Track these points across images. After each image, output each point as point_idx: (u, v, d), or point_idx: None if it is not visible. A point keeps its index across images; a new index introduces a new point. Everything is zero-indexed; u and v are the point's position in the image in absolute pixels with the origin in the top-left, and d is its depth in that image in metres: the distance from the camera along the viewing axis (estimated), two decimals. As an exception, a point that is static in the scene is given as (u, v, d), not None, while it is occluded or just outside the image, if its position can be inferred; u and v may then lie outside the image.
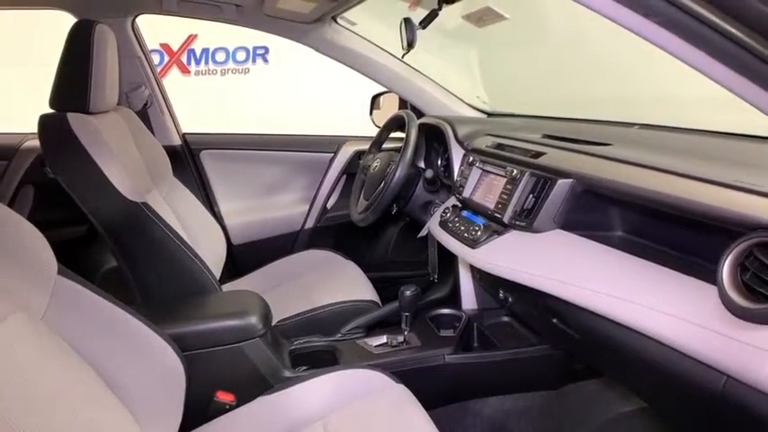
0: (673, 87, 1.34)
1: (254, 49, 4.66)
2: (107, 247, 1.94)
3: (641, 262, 0.88)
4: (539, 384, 1.49)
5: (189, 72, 4.68)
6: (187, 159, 2.04)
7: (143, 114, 1.87)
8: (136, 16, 1.84)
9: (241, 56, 4.69)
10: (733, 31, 0.51)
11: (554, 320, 1.10)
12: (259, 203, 2.19)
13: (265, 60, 4.70)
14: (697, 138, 1.21)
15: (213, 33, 4.52)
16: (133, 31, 1.85)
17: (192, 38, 4.59)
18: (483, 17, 1.51)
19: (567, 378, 1.47)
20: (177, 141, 2.02)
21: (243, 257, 2.08)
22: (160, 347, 0.99)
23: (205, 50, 4.67)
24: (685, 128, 1.26)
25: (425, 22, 1.40)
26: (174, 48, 4.58)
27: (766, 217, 0.67)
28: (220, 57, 4.69)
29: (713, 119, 1.18)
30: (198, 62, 4.69)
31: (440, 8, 1.36)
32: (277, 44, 4.29)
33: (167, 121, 1.99)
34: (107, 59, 1.38)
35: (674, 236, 0.89)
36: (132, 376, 0.94)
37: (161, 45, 4.51)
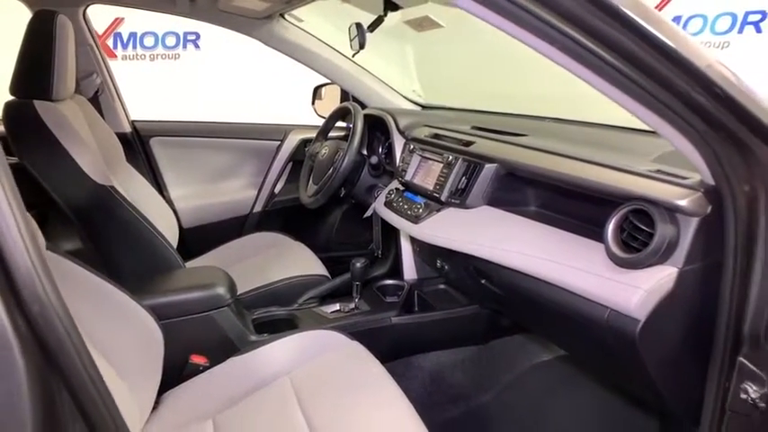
0: (578, 88, 1.58)
1: (185, 34, 4.51)
2: (59, 233, 1.97)
3: (550, 229, 1.10)
4: (470, 340, 1.70)
5: (115, 56, 4.48)
6: (137, 146, 2.07)
7: (94, 101, 1.89)
8: (87, 5, 1.86)
9: (171, 41, 4.53)
10: (607, 56, 0.72)
11: (482, 281, 1.30)
12: (208, 189, 2.24)
13: (197, 46, 4.59)
14: (594, 130, 1.46)
15: (141, 17, 4.36)
16: (84, 20, 1.87)
17: (118, 21, 4.41)
18: (422, 24, 1.69)
19: (494, 333, 1.69)
20: (128, 128, 2.05)
21: (193, 240, 2.12)
22: (141, 317, 1.10)
23: (133, 35, 4.47)
24: (585, 121, 1.52)
25: (373, 27, 1.56)
26: (100, 31, 4.39)
27: (637, 190, 0.90)
28: (149, 41, 4.51)
29: (607, 115, 1.44)
30: (125, 46, 4.50)
31: (385, 14, 1.52)
32: (209, 31, 4.24)
33: (118, 108, 2.01)
34: (68, 48, 1.42)
35: (574, 208, 1.12)
36: (118, 342, 1.03)
37: (85, 27, 4.30)
